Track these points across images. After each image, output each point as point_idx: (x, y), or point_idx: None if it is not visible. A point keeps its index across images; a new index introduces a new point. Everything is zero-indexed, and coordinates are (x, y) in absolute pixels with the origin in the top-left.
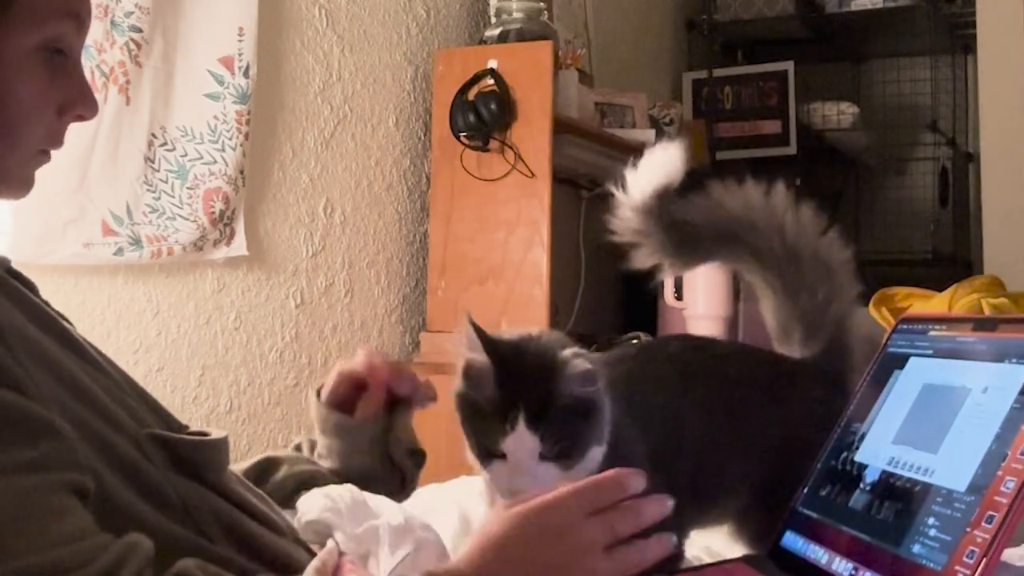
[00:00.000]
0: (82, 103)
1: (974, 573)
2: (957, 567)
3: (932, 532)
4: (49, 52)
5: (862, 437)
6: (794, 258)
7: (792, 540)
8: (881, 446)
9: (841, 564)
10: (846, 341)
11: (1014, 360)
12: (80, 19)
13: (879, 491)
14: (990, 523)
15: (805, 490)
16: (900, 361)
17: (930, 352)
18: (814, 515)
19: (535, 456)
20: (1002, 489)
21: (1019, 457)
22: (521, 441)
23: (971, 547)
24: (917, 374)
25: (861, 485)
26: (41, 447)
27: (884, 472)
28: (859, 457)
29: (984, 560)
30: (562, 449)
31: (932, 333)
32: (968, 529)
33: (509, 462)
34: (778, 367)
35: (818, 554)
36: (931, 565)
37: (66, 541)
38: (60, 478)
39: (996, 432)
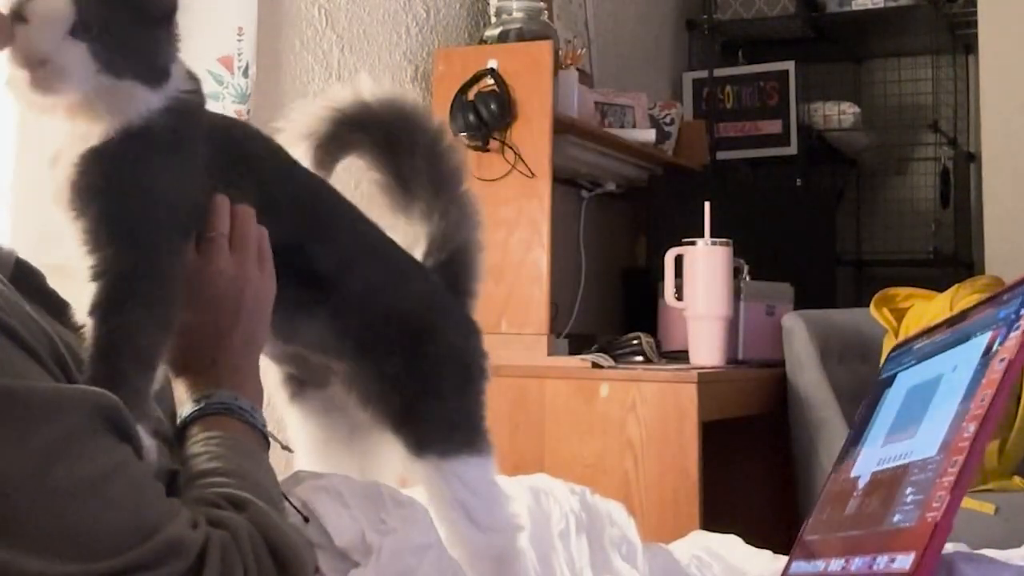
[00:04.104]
0: None
1: (940, 512)
2: (928, 514)
3: (910, 499)
4: None
5: (857, 456)
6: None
7: (797, 567)
8: (872, 455)
9: (835, 563)
10: (469, 259)
11: (978, 333)
12: None
13: (869, 491)
14: (955, 467)
15: (809, 520)
16: (889, 382)
17: (913, 362)
18: (815, 537)
19: (65, 24)
20: (964, 435)
21: (980, 404)
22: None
23: (939, 493)
24: (902, 384)
25: (855, 494)
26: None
27: (873, 473)
28: (854, 473)
29: (949, 497)
30: (108, 29)
31: (916, 347)
32: (937, 480)
33: (30, 26)
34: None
35: (818, 567)
36: (906, 524)
37: (176, 509)
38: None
39: (963, 395)
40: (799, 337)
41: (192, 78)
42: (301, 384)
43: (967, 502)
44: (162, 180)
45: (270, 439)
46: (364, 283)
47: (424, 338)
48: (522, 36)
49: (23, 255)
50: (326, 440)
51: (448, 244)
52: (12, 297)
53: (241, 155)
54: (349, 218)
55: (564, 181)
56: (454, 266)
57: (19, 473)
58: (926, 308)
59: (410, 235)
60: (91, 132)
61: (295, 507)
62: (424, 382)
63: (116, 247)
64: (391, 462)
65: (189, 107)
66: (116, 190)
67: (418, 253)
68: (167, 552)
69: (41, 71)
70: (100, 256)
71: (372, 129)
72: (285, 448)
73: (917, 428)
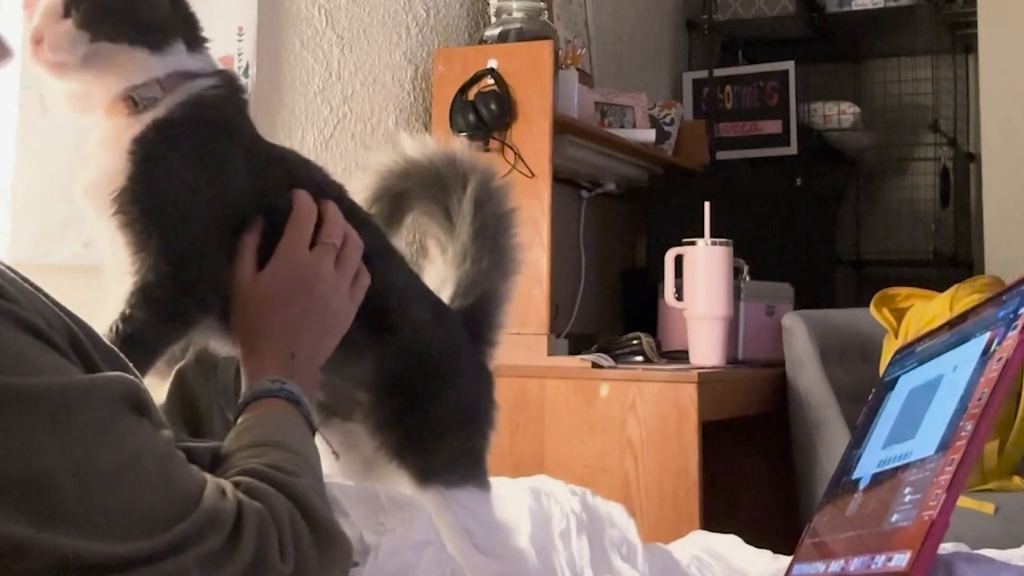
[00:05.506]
0: None
1: (936, 511)
2: (925, 513)
3: (907, 499)
4: None
5: (858, 458)
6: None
7: (799, 569)
8: (873, 456)
9: (834, 565)
10: (492, 309)
11: (978, 334)
12: None
13: (869, 491)
14: (951, 466)
15: (810, 524)
16: (892, 384)
17: (915, 364)
18: (817, 539)
19: (58, 9)
20: (962, 434)
21: (977, 403)
22: None
23: (936, 491)
24: (904, 386)
25: (856, 495)
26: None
27: (874, 475)
28: (855, 475)
29: (945, 496)
30: (96, 4)
31: (919, 349)
32: (934, 479)
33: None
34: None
35: (818, 568)
36: (904, 524)
37: (202, 477)
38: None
39: (961, 395)
40: (799, 337)
41: (225, 77)
42: (329, 414)
43: (967, 502)
44: (197, 172)
45: (320, 438)
46: (412, 324)
47: (444, 381)
48: (522, 36)
49: (22, 255)
50: (341, 472)
51: (474, 290)
52: (28, 287)
53: (316, 188)
54: (398, 257)
55: (564, 181)
56: (476, 314)
57: (64, 465)
58: (926, 308)
59: (438, 278)
60: (123, 131)
61: (327, 440)
62: (435, 421)
63: (155, 243)
64: None
65: (214, 101)
66: (154, 184)
67: (444, 295)
68: (208, 525)
69: (39, 47)
70: (138, 253)
71: (422, 174)
72: (334, 452)
73: (917, 429)
